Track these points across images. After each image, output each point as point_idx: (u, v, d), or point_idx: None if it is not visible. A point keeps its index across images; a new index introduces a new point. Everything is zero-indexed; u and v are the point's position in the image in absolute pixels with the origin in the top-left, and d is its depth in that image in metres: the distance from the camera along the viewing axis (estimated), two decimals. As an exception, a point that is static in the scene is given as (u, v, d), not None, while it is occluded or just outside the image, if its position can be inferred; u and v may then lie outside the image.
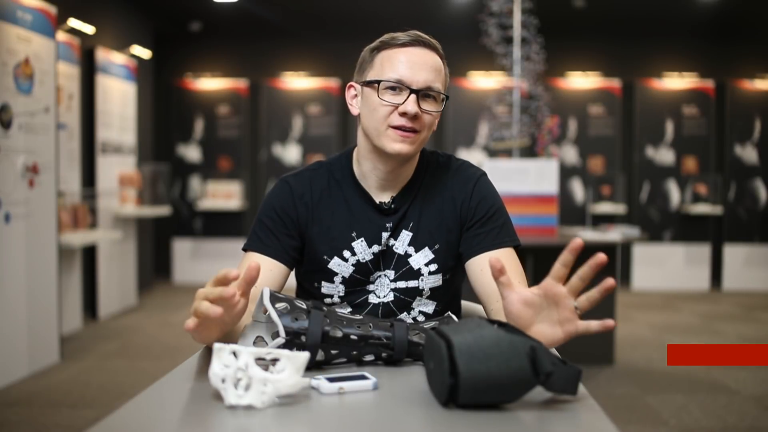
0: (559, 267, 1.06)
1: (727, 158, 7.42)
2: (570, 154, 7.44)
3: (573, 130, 7.44)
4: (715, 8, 6.91)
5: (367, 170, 1.45)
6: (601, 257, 1.02)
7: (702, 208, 7.25)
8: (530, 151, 5.49)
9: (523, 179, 4.15)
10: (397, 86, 1.35)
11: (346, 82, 1.47)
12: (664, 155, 7.41)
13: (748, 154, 7.40)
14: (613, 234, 4.27)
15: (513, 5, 4.56)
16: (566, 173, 7.30)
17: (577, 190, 7.43)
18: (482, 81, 7.33)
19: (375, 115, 1.37)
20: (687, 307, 6.32)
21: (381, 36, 1.42)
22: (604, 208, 7.30)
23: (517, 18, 4.56)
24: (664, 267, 7.35)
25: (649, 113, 7.40)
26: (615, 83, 7.46)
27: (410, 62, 1.35)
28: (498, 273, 1.07)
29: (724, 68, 7.46)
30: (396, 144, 1.36)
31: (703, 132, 7.40)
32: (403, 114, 1.34)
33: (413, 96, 1.34)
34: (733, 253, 7.33)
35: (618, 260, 4.92)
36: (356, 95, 1.44)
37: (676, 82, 7.44)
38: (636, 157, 7.42)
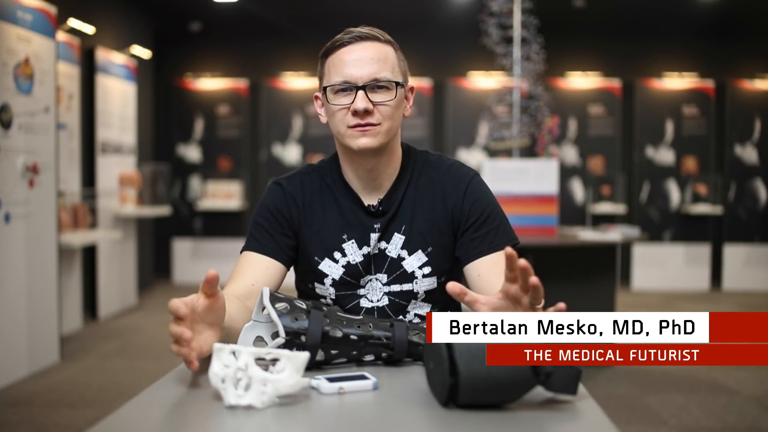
0: (506, 272, 1.08)
1: (727, 158, 7.42)
2: (570, 154, 7.44)
3: (573, 130, 7.44)
4: (715, 8, 6.91)
5: (350, 173, 1.45)
6: (509, 251, 1.05)
7: (702, 208, 7.25)
8: (530, 151, 5.48)
9: (523, 179, 4.15)
10: (346, 87, 1.36)
11: None
12: (664, 155, 7.41)
13: (748, 154, 7.40)
14: (613, 234, 4.27)
15: (513, 5, 4.56)
16: (566, 173, 7.29)
17: (577, 190, 7.43)
18: (482, 81, 7.33)
19: (334, 119, 1.40)
20: (687, 307, 6.32)
21: None
22: (604, 208, 7.30)
23: (517, 18, 4.56)
24: (664, 267, 7.35)
25: (649, 113, 7.40)
26: (615, 83, 7.46)
27: (352, 60, 1.36)
28: (459, 296, 1.09)
29: (724, 68, 7.46)
30: (359, 140, 1.37)
31: (703, 132, 7.40)
32: (355, 113, 1.35)
33: (360, 93, 1.35)
34: (733, 253, 7.33)
35: (618, 260, 4.92)
36: (323, 104, 1.45)
37: (676, 82, 7.44)
38: (636, 157, 7.42)
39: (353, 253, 1.43)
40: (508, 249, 1.04)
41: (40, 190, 4.09)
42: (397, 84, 1.38)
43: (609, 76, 7.50)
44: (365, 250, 1.43)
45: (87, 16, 5.43)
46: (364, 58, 1.36)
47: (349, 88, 1.36)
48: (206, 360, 1.06)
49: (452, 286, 1.08)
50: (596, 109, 7.46)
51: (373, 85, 1.36)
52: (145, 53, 6.69)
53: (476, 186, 1.46)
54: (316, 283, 1.46)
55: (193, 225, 7.61)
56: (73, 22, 5.13)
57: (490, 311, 1.09)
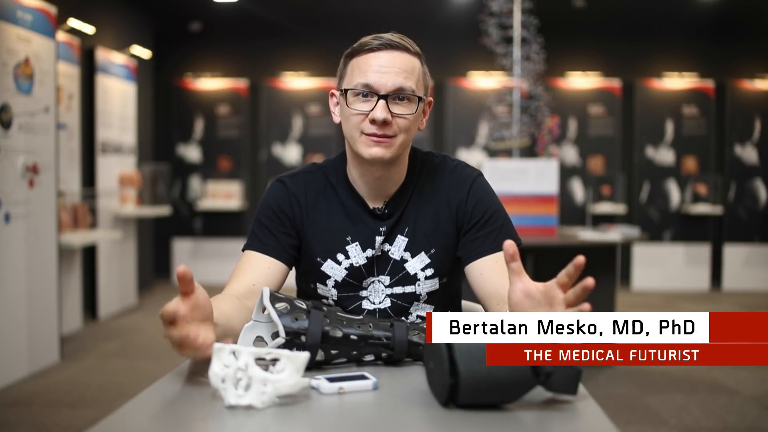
0: (563, 276, 1.05)
1: (727, 158, 7.42)
2: (570, 154, 7.44)
3: (573, 130, 7.44)
4: (715, 8, 6.91)
5: (357, 177, 1.44)
6: (580, 260, 1.01)
7: (702, 208, 7.25)
8: (530, 151, 5.48)
9: (523, 179, 4.15)
10: (367, 92, 1.33)
11: None
12: (664, 155, 7.41)
13: (748, 154, 7.40)
14: (613, 234, 4.27)
15: (513, 5, 4.56)
16: (566, 173, 7.29)
17: (577, 190, 7.43)
18: (482, 81, 7.33)
19: (349, 123, 1.37)
20: (687, 307, 6.32)
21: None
22: (604, 208, 7.30)
23: (517, 18, 4.56)
24: (664, 267, 7.35)
25: (649, 113, 7.40)
26: (615, 83, 7.46)
27: (378, 67, 1.33)
28: (510, 258, 1.07)
29: (724, 68, 7.46)
30: (371, 149, 1.34)
31: (703, 132, 7.40)
32: (373, 121, 1.33)
33: (381, 102, 1.32)
34: (733, 253, 7.33)
35: (618, 260, 4.91)
36: (338, 103, 1.43)
37: (676, 82, 7.44)
38: (636, 157, 7.42)
39: (357, 255, 1.42)
40: (580, 258, 1.00)
41: (40, 190, 4.09)
42: (419, 99, 1.36)
43: (609, 76, 7.50)
44: (369, 252, 1.42)
45: (87, 16, 5.43)
46: (391, 66, 1.34)
47: (371, 94, 1.34)
48: (206, 360, 1.06)
49: (509, 246, 1.06)
50: (596, 109, 7.45)
51: (395, 96, 1.33)
52: (145, 53, 6.68)
53: (480, 186, 1.46)
54: (318, 284, 1.45)
55: (193, 225, 7.60)
56: (73, 22, 5.13)
57: (521, 294, 1.07)
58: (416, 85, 1.36)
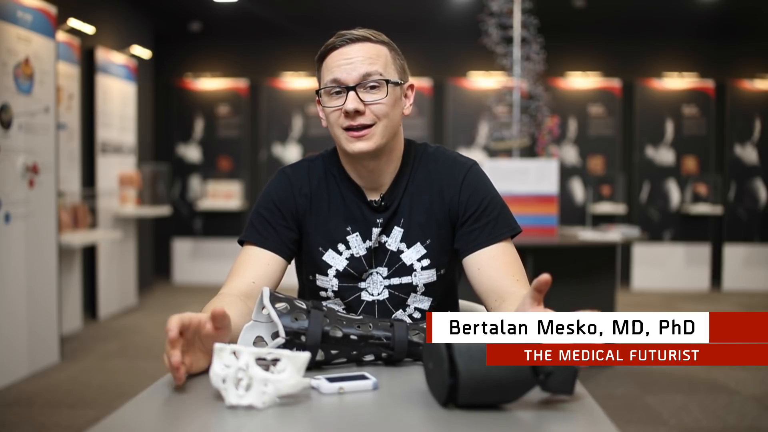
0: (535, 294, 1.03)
1: (727, 158, 7.42)
2: (570, 154, 7.44)
3: (573, 130, 7.44)
4: (715, 8, 6.91)
5: (351, 173, 1.45)
6: (544, 278, 1.00)
7: (702, 208, 7.25)
8: (530, 151, 5.48)
9: (523, 179, 4.15)
10: (339, 89, 1.36)
11: None
12: (664, 155, 7.41)
13: (748, 154, 7.40)
14: (613, 234, 4.27)
15: (513, 5, 4.56)
16: (566, 173, 7.30)
17: (577, 190, 7.43)
18: (482, 81, 7.33)
19: (330, 122, 1.39)
20: (687, 307, 6.32)
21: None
22: (604, 208, 7.30)
23: (517, 18, 4.56)
24: (664, 267, 7.35)
25: (649, 113, 7.40)
26: (615, 83, 7.46)
27: (343, 61, 1.36)
28: (537, 288, 1.02)
29: (724, 68, 7.46)
30: (354, 144, 1.36)
31: (703, 132, 7.40)
32: (347, 114, 1.35)
33: (351, 93, 1.34)
34: (733, 253, 7.33)
35: (618, 260, 4.91)
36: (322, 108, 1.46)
37: (676, 82, 7.44)
38: (636, 157, 7.42)
39: (357, 245, 1.43)
40: (545, 276, 0.99)
41: (40, 190, 4.09)
42: (389, 82, 1.37)
43: (609, 76, 7.50)
44: (368, 243, 1.43)
45: (87, 16, 5.43)
46: (354, 59, 1.36)
47: (341, 89, 1.35)
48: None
49: (543, 280, 1.00)
50: (596, 109, 7.46)
51: (364, 85, 1.35)
52: (145, 53, 6.68)
53: (473, 176, 1.46)
54: (317, 275, 1.45)
55: (193, 225, 7.61)
56: (73, 22, 5.13)
57: None
58: (384, 69, 1.37)
